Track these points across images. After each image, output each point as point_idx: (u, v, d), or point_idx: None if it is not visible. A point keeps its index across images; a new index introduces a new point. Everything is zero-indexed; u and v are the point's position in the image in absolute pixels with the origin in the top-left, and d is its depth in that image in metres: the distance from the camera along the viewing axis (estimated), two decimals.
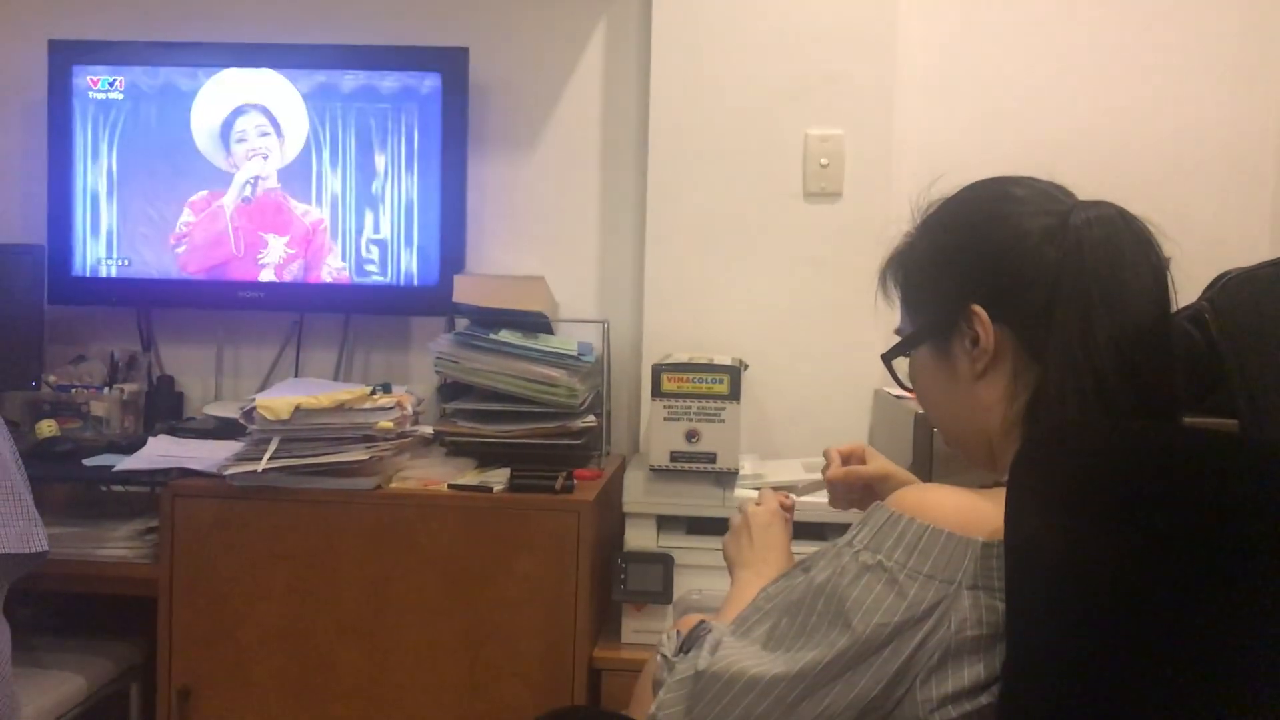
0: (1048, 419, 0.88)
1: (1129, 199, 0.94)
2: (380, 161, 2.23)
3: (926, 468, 1.71)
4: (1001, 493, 0.83)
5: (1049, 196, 0.94)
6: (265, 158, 2.25)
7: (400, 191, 2.23)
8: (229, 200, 2.26)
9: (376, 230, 2.24)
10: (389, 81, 2.22)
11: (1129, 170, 2.13)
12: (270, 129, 2.24)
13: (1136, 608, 0.76)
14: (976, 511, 0.84)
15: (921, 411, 1.72)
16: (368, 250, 2.24)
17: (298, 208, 2.25)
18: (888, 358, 1.04)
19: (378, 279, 2.24)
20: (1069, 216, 0.91)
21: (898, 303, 1.03)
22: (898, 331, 1.04)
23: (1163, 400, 0.89)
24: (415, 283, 2.23)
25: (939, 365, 0.97)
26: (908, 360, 1.03)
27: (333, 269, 2.25)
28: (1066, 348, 0.87)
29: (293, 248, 2.25)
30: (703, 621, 1.03)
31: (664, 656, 0.99)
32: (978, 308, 0.92)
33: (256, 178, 2.25)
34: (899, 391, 1.99)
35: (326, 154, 2.23)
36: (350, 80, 2.22)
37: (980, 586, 0.81)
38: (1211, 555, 0.75)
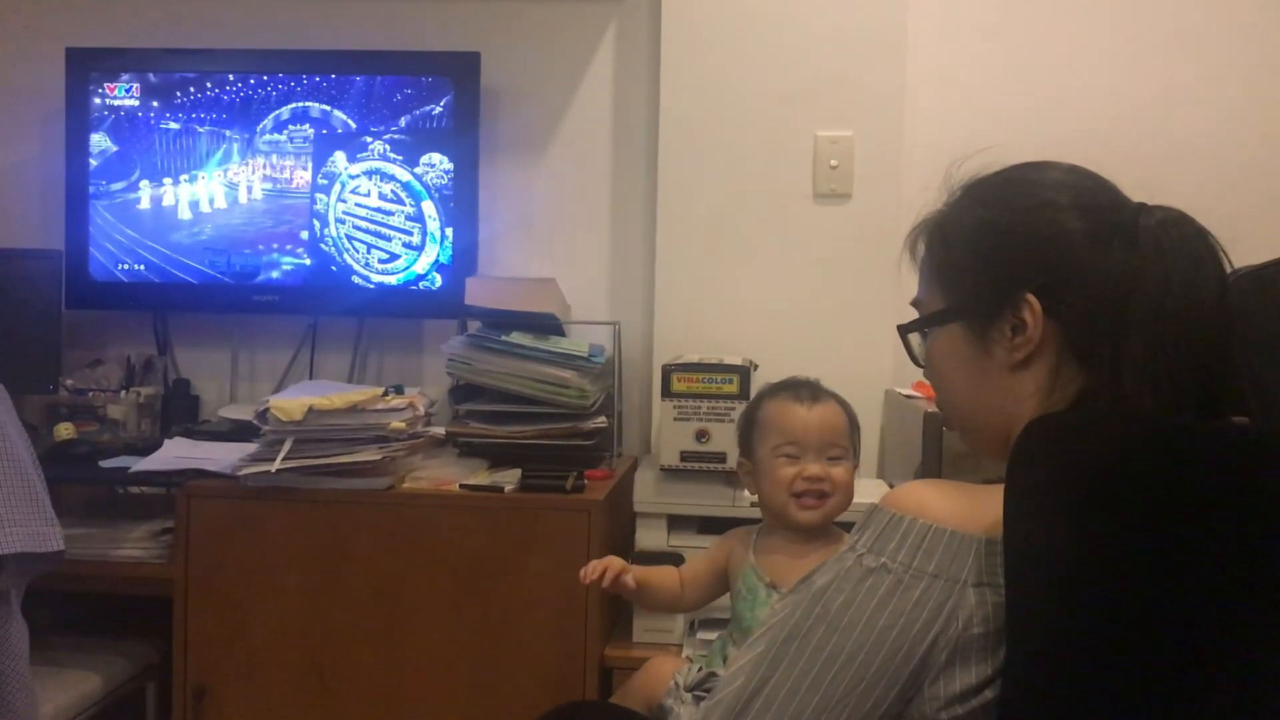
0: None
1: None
2: (393, 165, 2.24)
3: (936, 467, 1.71)
4: (998, 489, 0.82)
5: (1108, 192, 0.93)
6: (269, 166, 2.26)
7: (412, 194, 2.25)
8: (230, 209, 2.28)
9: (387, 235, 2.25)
10: (402, 85, 2.23)
11: (1143, 169, 2.11)
12: (307, 139, 2.26)
13: (1144, 613, 0.75)
14: (976, 507, 0.84)
15: (932, 410, 1.74)
16: (380, 252, 2.26)
17: (300, 207, 2.27)
18: (906, 329, 0.99)
19: (390, 282, 2.26)
20: (1138, 218, 0.89)
21: (919, 271, 0.99)
22: (914, 303, 1.00)
23: (1225, 404, 0.87)
24: (428, 286, 2.25)
25: (970, 347, 0.93)
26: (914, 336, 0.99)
27: (345, 270, 2.26)
28: (1146, 353, 0.84)
29: (302, 252, 2.27)
30: (714, 674, 1.05)
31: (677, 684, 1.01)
32: (1032, 297, 0.88)
33: (248, 184, 2.27)
34: (909, 391, 2.01)
35: (340, 158, 2.25)
36: (361, 84, 2.24)
37: (986, 583, 0.81)
38: (1227, 558, 0.74)
